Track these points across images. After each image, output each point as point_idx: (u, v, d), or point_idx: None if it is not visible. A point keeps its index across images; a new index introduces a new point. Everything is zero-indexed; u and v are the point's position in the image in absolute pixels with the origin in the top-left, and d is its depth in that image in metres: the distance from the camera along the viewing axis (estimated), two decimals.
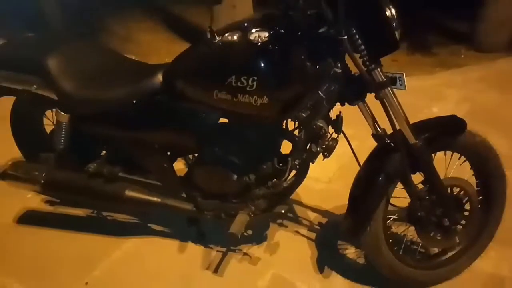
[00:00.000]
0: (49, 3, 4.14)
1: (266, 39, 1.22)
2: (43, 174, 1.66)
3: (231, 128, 1.52)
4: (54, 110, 1.74)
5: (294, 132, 1.49)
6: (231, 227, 1.51)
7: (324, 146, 1.38)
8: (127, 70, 1.61)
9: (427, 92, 2.99)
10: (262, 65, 1.23)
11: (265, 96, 1.25)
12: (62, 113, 1.59)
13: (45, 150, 1.84)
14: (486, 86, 3.11)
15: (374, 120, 1.43)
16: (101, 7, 4.72)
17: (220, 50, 1.27)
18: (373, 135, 1.45)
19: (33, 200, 2.05)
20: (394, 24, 1.22)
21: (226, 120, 1.52)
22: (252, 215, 1.55)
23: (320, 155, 1.44)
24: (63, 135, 1.64)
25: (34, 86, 1.56)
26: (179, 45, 3.87)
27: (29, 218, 1.98)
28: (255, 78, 1.22)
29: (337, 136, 1.44)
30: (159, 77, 1.48)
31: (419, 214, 1.46)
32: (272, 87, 1.25)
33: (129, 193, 1.66)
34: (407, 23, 4.16)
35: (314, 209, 2.00)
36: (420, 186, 1.48)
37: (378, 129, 1.44)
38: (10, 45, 1.72)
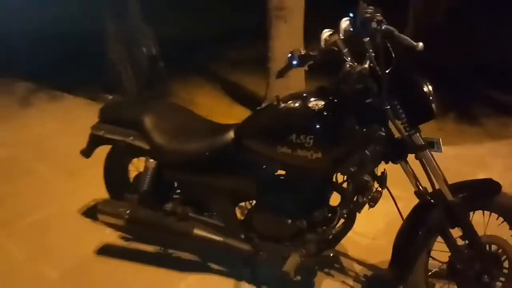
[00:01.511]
0: (126, 71, 4.66)
1: (322, 106, 1.51)
2: (128, 211, 1.98)
3: (287, 179, 1.78)
4: (140, 158, 2.14)
5: (343, 185, 1.72)
6: (284, 266, 1.72)
7: (370, 197, 1.59)
8: (203, 128, 1.96)
9: (472, 160, 3.10)
10: (318, 126, 1.52)
11: (319, 152, 1.52)
12: (151, 160, 1.94)
13: (128, 192, 2.21)
14: None
15: (416, 179, 1.63)
16: (166, 74, 5.31)
17: (284, 113, 1.57)
18: (415, 192, 1.65)
19: (111, 235, 2.37)
20: (430, 97, 1.47)
21: (283, 172, 1.80)
22: (303, 258, 1.75)
23: (366, 206, 1.65)
24: (148, 179, 1.98)
25: (131, 137, 1.95)
26: (236, 108, 4.27)
27: (106, 251, 2.28)
28: (312, 136, 1.51)
29: (382, 190, 1.65)
30: (231, 134, 1.81)
31: (459, 267, 1.59)
32: (325, 145, 1.52)
33: (197, 231, 1.94)
34: (455, 94, 4.37)
35: (360, 262, 2.14)
36: (460, 242, 1.62)
37: (420, 187, 1.63)
38: (111, 104, 2.16)
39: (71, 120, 4.05)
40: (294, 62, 1.58)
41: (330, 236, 1.77)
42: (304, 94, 1.59)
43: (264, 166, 1.78)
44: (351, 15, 1.45)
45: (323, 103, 1.52)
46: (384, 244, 2.22)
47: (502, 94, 4.29)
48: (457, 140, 3.42)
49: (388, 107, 1.45)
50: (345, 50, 1.52)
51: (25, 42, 5.99)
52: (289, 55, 1.60)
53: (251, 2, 5.07)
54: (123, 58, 4.48)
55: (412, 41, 1.34)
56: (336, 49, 1.52)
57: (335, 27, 1.57)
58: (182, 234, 1.96)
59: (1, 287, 2.10)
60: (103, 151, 2.25)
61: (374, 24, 1.37)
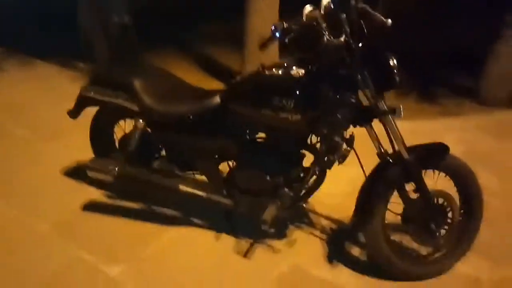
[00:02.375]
0: (97, 38, 4.52)
1: (303, 74, 1.71)
2: (117, 168, 2.13)
3: (268, 140, 1.99)
4: (125, 121, 2.28)
5: (316, 146, 1.94)
6: (263, 215, 1.94)
7: (339, 154, 1.82)
8: (190, 92, 2.11)
9: (427, 134, 3.40)
10: (298, 91, 1.72)
11: (298, 114, 1.73)
12: (140, 121, 2.08)
13: (111, 152, 2.36)
14: (483, 133, 3.54)
15: (378, 141, 1.88)
16: (140, 44, 5.29)
17: (269, 80, 1.76)
18: (377, 153, 1.90)
19: (95, 193, 2.51)
20: (395, 69, 1.70)
21: (263, 135, 2.01)
22: (279, 209, 1.98)
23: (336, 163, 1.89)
24: (135, 138, 2.12)
25: (121, 99, 2.07)
26: (210, 81, 4.32)
27: (92, 207, 2.42)
28: (293, 100, 1.71)
29: (350, 150, 1.89)
30: (217, 98, 1.98)
31: (411, 216, 1.88)
32: (304, 108, 1.73)
33: (183, 187, 2.12)
34: (419, 77, 4.68)
35: (326, 218, 2.41)
36: (413, 195, 1.90)
37: (381, 149, 1.88)
38: (101, 67, 2.26)
39: (45, 86, 4.06)
40: (277, 34, 1.74)
41: (303, 191, 2.01)
42: (287, 64, 1.78)
43: (247, 129, 1.97)
44: None
45: (303, 71, 1.72)
46: (348, 203, 2.50)
47: (463, 77, 4.60)
48: (416, 117, 3.73)
49: (359, 76, 1.67)
50: (324, 25, 1.71)
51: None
52: (272, 27, 1.76)
53: None
54: (95, 25, 4.43)
55: (383, 18, 1.55)
56: (315, 24, 1.71)
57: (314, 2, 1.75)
58: (168, 189, 2.13)
59: None
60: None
61: (352, 2, 1.57)
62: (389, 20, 1.54)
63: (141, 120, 2.08)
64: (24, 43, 4.75)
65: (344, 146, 1.88)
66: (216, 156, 2.09)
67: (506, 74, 4.11)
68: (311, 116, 1.75)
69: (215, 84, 4.35)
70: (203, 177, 2.18)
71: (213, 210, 2.22)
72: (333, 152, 1.84)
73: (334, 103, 1.74)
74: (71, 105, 2.31)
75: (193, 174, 2.22)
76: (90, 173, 2.16)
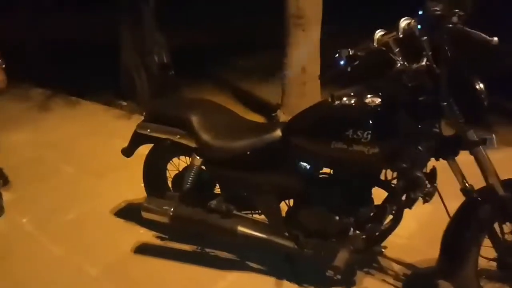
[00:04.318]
0: (139, 78, 4.67)
1: (379, 103, 1.56)
2: (172, 208, 2.00)
3: (334, 176, 1.82)
4: (179, 158, 2.18)
5: (391, 182, 1.76)
6: (335, 261, 1.74)
7: (424, 192, 1.62)
8: (248, 126, 2.00)
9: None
10: (375, 122, 1.56)
11: (376, 147, 1.56)
12: (198, 157, 1.97)
13: (164, 190, 2.25)
14: None
15: (462, 176, 1.67)
16: (179, 82, 5.35)
17: (340, 110, 1.61)
18: (461, 189, 1.68)
19: (146, 235, 2.38)
20: (483, 95, 1.52)
21: (328, 170, 1.84)
22: (351, 254, 1.77)
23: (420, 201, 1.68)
24: (192, 176, 2.00)
25: (178, 135, 1.98)
26: (251, 115, 4.19)
27: (143, 249, 2.29)
28: (369, 132, 1.55)
29: (435, 186, 1.68)
30: (278, 132, 1.85)
31: (508, 262, 1.63)
32: (382, 140, 1.56)
33: (241, 228, 1.96)
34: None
35: (397, 261, 2.16)
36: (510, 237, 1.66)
37: (467, 184, 1.67)
38: (156, 104, 2.19)
39: (90, 124, 4.11)
40: (342, 62, 1.62)
41: (377, 233, 1.80)
42: (358, 91, 1.63)
43: (311, 164, 1.82)
44: (420, 13, 1.50)
45: (379, 99, 1.57)
46: (419, 244, 2.26)
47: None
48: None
49: (445, 104, 1.50)
50: (397, 50, 1.57)
51: (40, 50, 6.05)
52: (336, 55, 1.65)
53: (266, 11, 5.19)
54: (136, 65, 4.56)
55: (487, 36, 1.40)
56: (384, 49, 1.57)
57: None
58: (226, 231, 1.98)
59: (43, 283, 2.10)
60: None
61: (449, 21, 1.43)
62: (495, 39, 1.38)
63: (198, 157, 1.97)
64: (70, 84, 4.88)
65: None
66: (277, 194, 1.94)
67: None
68: (390, 148, 1.58)
69: (255, 119, 4.27)
70: (263, 218, 2.02)
71: (274, 253, 2.05)
72: (414, 189, 1.64)
73: (415, 134, 1.56)
74: (118, 142, 2.25)
75: (252, 214, 2.06)
76: (145, 214, 2.04)
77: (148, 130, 2.05)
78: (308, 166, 1.83)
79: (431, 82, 1.51)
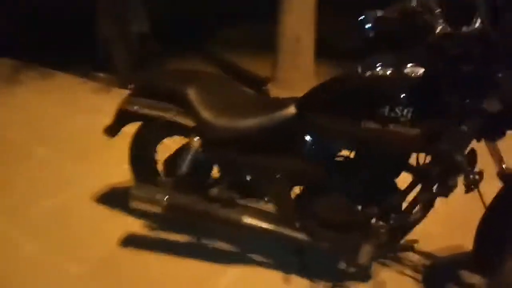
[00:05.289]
0: (117, 49, 4.35)
1: (421, 74, 1.30)
2: (166, 197, 1.73)
3: (358, 159, 1.58)
4: (173, 138, 1.89)
5: (423, 166, 1.53)
6: (359, 258, 1.52)
7: (469, 178, 1.40)
8: (256, 102, 1.73)
9: None
10: (418, 97, 1.31)
11: (417, 127, 1.31)
12: (196, 138, 1.69)
13: (153, 175, 1.97)
14: None
15: (501, 158, 1.46)
16: (163, 53, 5.00)
17: (372, 82, 1.36)
18: (498, 173, 1.47)
19: (134, 225, 2.11)
20: None
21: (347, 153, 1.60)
22: (376, 248, 1.56)
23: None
24: (188, 160, 1.73)
25: (173, 113, 1.69)
26: None
27: (133, 242, 2.02)
28: (411, 109, 1.30)
29: (480, 172, 1.46)
30: (292, 109, 1.58)
31: None
32: (425, 118, 1.32)
33: (246, 219, 1.72)
34: None
35: (416, 251, 1.98)
36: None
37: (504, 168, 1.46)
38: (145, 76, 1.88)
39: (65, 99, 3.72)
40: (368, 26, 1.36)
41: (405, 223, 1.59)
42: (393, 60, 1.37)
43: (329, 145, 1.57)
44: None
45: (421, 70, 1.31)
46: (434, 231, 2.07)
47: None
48: None
49: (500, 76, 1.26)
50: (438, 11, 1.31)
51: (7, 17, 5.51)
52: (362, 17, 1.38)
53: None
54: (115, 34, 4.20)
55: None
56: (421, 10, 1.31)
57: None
58: (229, 222, 1.73)
59: (17, 285, 1.82)
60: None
61: None
62: None
63: (196, 138, 1.69)
64: (43, 55, 4.44)
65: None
66: (289, 179, 1.69)
67: None
68: (433, 128, 1.34)
69: None
70: (270, 206, 1.77)
71: (281, 246, 1.83)
72: (453, 175, 1.42)
73: (460, 111, 1.33)
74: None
75: (258, 202, 1.80)
76: (134, 204, 1.76)
77: (136, 106, 1.75)
78: (326, 148, 1.58)
79: (485, 49, 1.26)
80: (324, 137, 1.55)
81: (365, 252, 1.54)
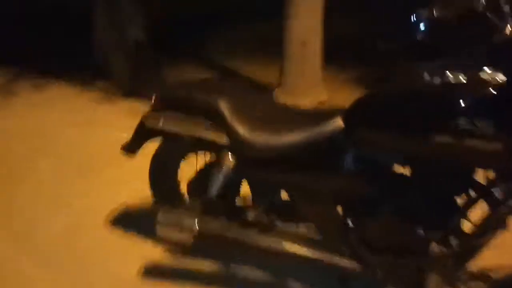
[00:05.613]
0: (115, 57, 4.15)
1: (502, 81, 1.14)
2: (196, 223, 1.54)
3: (417, 177, 1.40)
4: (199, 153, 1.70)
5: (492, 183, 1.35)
6: None
7: None
8: (295, 115, 1.54)
9: None
10: (502, 107, 1.14)
11: (498, 140, 1.14)
12: (230, 156, 1.50)
13: (176, 196, 1.78)
14: None
15: None
16: (158, 57, 4.78)
17: (442, 90, 1.18)
18: None
19: (154, 251, 1.90)
20: None
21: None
22: (442, 277, 1.38)
23: None
24: (219, 180, 1.54)
25: (204, 129, 1.49)
26: None
27: (151, 272, 1.81)
28: (492, 121, 1.13)
29: None
30: (338, 122, 1.40)
31: None
32: (508, 131, 1.15)
33: (285, 245, 1.53)
34: None
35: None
36: None
37: None
38: (169, 88, 1.69)
39: (65, 110, 3.48)
40: (422, 28, 1.20)
41: (471, 248, 1.41)
42: (463, 65, 1.20)
43: (383, 161, 1.39)
44: None
45: (501, 76, 1.14)
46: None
47: None
48: None
49: None
50: (507, 8, 1.16)
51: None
52: (414, 17, 1.22)
53: None
54: (111, 42, 4.02)
55: None
56: (484, 10, 1.15)
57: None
58: (266, 250, 1.54)
59: None
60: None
61: None
62: None
63: (228, 156, 1.50)
64: (36, 62, 4.21)
65: None
66: (335, 200, 1.51)
67: None
68: None
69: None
70: (312, 231, 1.57)
71: (325, 275, 1.64)
72: None
73: None
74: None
75: (298, 226, 1.61)
76: (161, 231, 1.56)
77: (161, 121, 1.55)
78: (377, 164, 1.41)
79: None
80: (376, 152, 1.36)
81: (434, 282, 1.36)
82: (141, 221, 2.00)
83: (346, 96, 3.59)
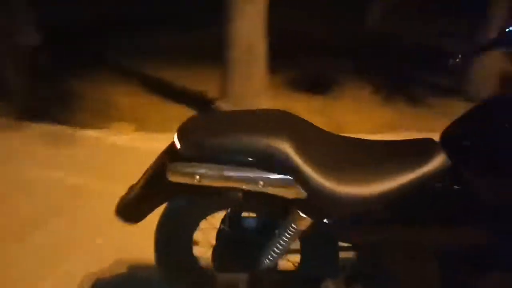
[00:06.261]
0: (8, 66, 3.55)
1: None
2: None
3: None
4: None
5: None
6: None
7: None
8: (374, 151, 1.17)
9: None
10: None
11: None
12: (304, 215, 1.07)
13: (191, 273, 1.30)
14: None
15: None
16: (70, 69, 3.98)
17: None
18: None
19: None
20: None
21: None
22: None
23: None
24: (282, 247, 1.10)
25: (261, 182, 1.04)
26: (172, 108, 3.36)
27: None
28: None
29: None
30: (442, 158, 1.09)
31: None
32: None
33: None
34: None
35: None
36: None
37: None
38: (198, 128, 1.15)
39: None
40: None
41: None
42: None
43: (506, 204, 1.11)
44: None
45: None
46: None
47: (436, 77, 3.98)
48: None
49: None
50: None
51: None
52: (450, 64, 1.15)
53: None
54: (3, 50, 3.51)
55: None
56: None
57: None
58: None
59: None
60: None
61: None
62: None
63: (302, 214, 1.08)
64: None
65: None
66: (441, 258, 1.18)
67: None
68: None
69: (181, 110, 3.27)
70: None
71: None
72: None
73: None
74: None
75: None
76: None
77: (198, 176, 1.04)
78: (497, 213, 1.12)
79: None
80: (502, 198, 1.08)
81: None
82: None
83: (287, 102, 3.36)
